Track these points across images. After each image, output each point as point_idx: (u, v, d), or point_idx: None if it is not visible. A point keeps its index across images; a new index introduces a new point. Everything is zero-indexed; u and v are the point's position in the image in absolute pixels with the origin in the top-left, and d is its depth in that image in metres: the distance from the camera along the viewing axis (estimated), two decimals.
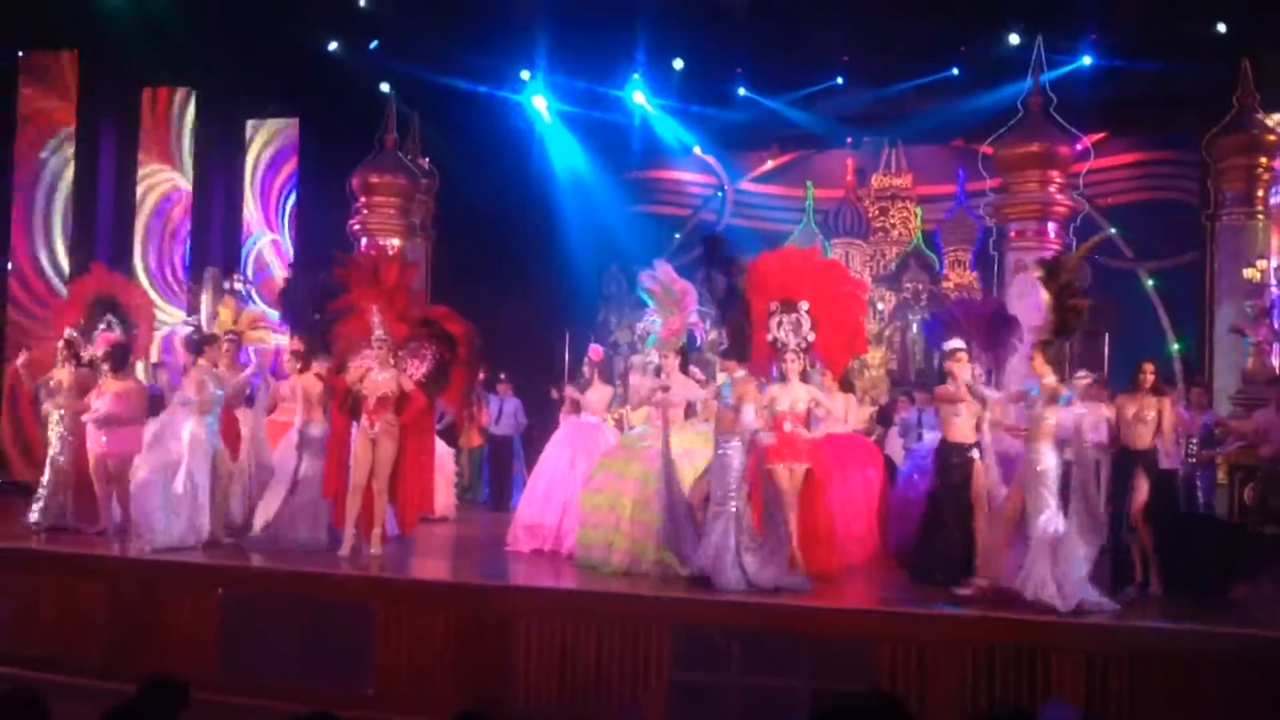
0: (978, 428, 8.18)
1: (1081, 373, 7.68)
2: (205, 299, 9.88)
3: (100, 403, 9.50)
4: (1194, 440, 10.12)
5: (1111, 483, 8.33)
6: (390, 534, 9.13)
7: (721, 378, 8.41)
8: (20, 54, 14.52)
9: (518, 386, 13.58)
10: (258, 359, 10.70)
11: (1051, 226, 13.23)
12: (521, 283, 15.82)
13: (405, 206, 15.50)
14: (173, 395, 9.43)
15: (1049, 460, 7.28)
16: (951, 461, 8.24)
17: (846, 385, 10.17)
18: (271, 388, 10.33)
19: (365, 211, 15.32)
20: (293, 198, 16.01)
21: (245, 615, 7.94)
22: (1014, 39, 13.72)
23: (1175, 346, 14.89)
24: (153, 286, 14.83)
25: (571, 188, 17.01)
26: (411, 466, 8.95)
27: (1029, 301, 9.36)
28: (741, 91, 15.93)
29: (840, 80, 15.49)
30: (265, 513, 9.39)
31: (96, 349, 9.90)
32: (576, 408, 10.57)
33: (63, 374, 9.90)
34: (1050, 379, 7.38)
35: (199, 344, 9.49)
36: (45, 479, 9.80)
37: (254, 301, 14.62)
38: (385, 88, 15.37)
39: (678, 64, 15.46)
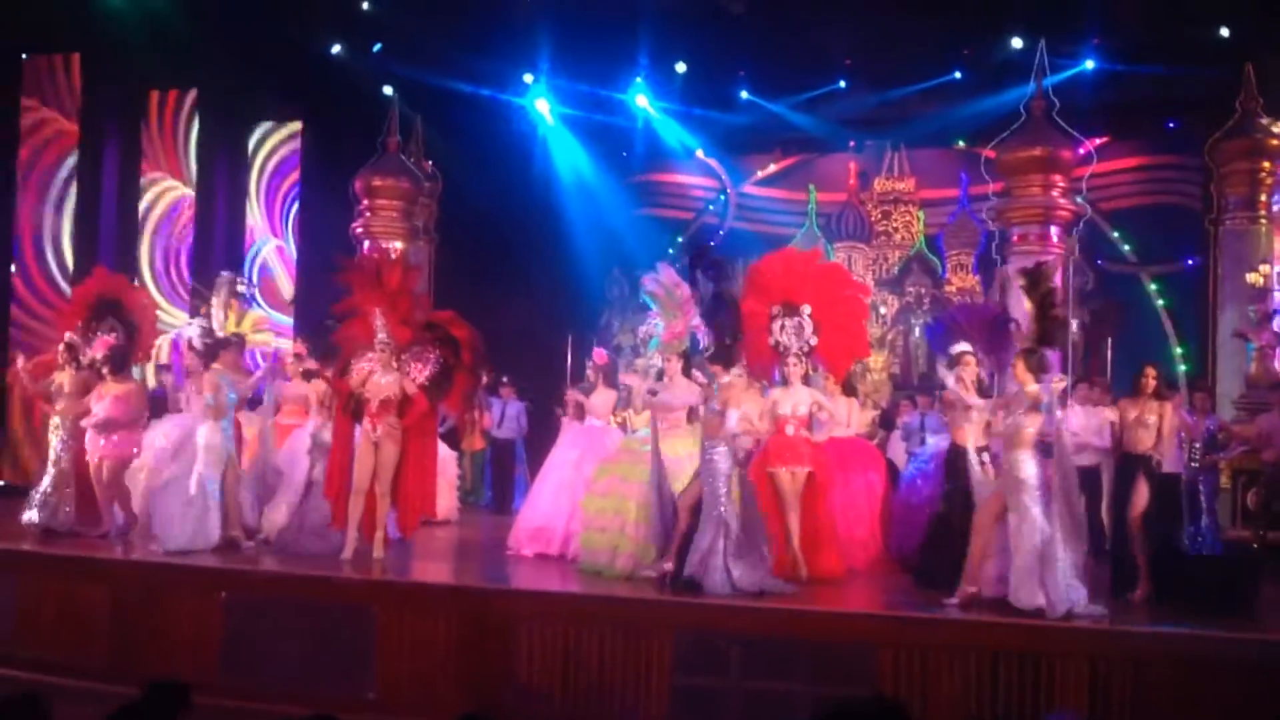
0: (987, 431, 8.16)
1: (1057, 376, 7.66)
2: (218, 302, 9.87)
3: (100, 407, 9.51)
4: (1197, 445, 10.10)
5: (1114, 487, 8.34)
6: (391, 537, 9.13)
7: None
8: (24, 57, 14.56)
9: (520, 390, 13.59)
10: (269, 363, 10.71)
11: (1054, 231, 13.22)
12: (524, 286, 15.82)
13: (408, 210, 15.50)
14: (177, 397, 9.44)
15: (1029, 468, 7.26)
16: (960, 465, 8.23)
17: (849, 389, 10.16)
18: (278, 391, 10.35)
19: (368, 214, 15.32)
20: (296, 203, 16.05)
21: (247, 618, 7.93)
22: (1017, 43, 13.73)
23: (1179, 350, 14.90)
24: (158, 289, 14.88)
25: (574, 191, 17.03)
26: (413, 470, 8.94)
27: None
28: (744, 95, 15.95)
29: (843, 84, 15.52)
30: (273, 516, 9.40)
31: (95, 352, 9.89)
32: (580, 411, 10.56)
33: (63, 377, 9.90)
34: (1032, 386, 7.38)
35: (215, 348, 9.49)
36: (45, 480, 9.80)
37: (258, 304, 14.65)
38: (388, 91, 15.37)
39: (680, 67, 15.49)
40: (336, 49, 15.10)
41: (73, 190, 14.48)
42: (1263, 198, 13.22)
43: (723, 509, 7.65)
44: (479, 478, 13.74)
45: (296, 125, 16.02)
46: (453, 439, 12.52)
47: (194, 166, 15.37)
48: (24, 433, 13.71)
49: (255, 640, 7.86)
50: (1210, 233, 13.76)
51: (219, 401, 9.04)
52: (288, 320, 15.61)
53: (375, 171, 15.22)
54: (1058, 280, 13.09)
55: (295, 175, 16.02)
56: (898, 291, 16.95)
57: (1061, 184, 13.21)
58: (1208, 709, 6.44)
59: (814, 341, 8.77)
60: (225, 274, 10.34)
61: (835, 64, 15.27)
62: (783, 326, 8.77)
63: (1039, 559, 7.04)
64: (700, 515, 7.81)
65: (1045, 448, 7.38)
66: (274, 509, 9.48)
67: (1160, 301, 15.42)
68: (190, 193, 15.34)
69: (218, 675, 7.66)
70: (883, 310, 16.72)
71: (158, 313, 12.25)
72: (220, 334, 9.71)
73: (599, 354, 10.93)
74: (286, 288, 15.91)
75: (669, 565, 7.90)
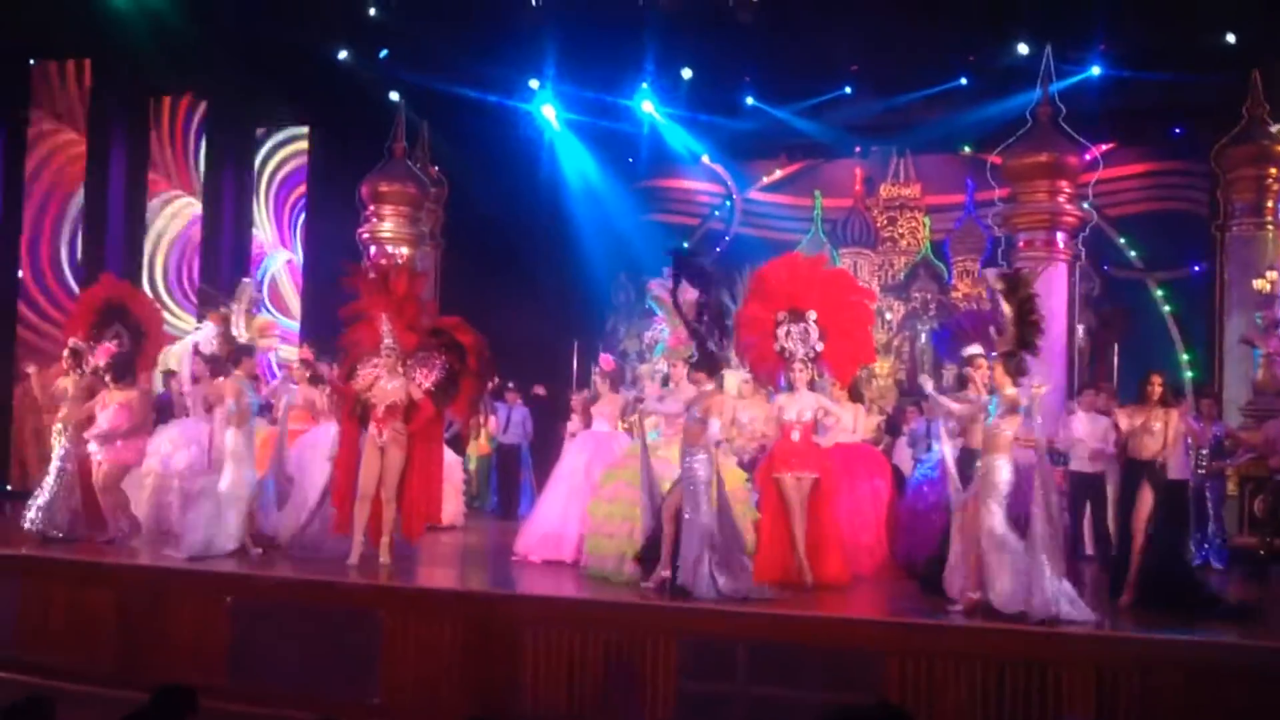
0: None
1: (1037, 380, 7.66)
2: (239, 308, 9.91)
3: (104, 417, 9.51)
4: (1204, 451, 10.10)
5: (1119, 494, 8.32)
6: (396, 541, 9.13)
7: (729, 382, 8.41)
8: (31, 63, 14.59)
9: (526, 395, 13.60)
10: (285, 370, 10.71)
11: (1060, 236, 13.22)
12: (530, 291, 15.84)
13: (414, 215, 15.55)
14: (185, 403, 9.43)
15: (1004, 473, 7.26)
16: (973, 469, 8.20)
17: (855, 395, 10.15)
18: (287, 397, 10.36)
19: (375, 220, 15.37)
20: (304, 214, 16.08)
21: (254, 623, 7.95)
22: (1023, 49, 13.72)
23: (1185, 357, 14.88)
24: (170, 295, 14.91)
25: (580, 196, 17.06)
26: (419, 475, 8.95)
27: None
28: (750, 101, 15.96)
29: (849, 90, 15.53)
30: (286, 522, 9.41)
31: (97, 360, 9.89)
32: (587, 417, 10.54)
33: (67, 382, 9.90)
34: (1010, 390, 7.38)
35: (237, 355, 9.50)
36: (49, 484, 9.78)
37: (266, 309, 14.68)
38: (395, 96, 15.41)
39: (686, 73, 15.50)
40: (343, 55, 15.13)
41: (79, 196, 14.50)
42: (1269, 204, 13.21)
43: (704, 517, 7.64)
44: (485, 483, 13.74)
45: (304, 139, 16.05)
46: (458, 444, 12.53)
47: (201, 171, 15.40)
48: (32, 439, 13.70)
49: (261, 645, 7.87)
50: (1217, 239, 13.74)
51: (242, 407, 9.04)
52: (293, 325, 15.66)
53: (382, 177, 15.26)
54: (1064, 286, 13.14)
55: (302, 188, 16.05)
56: (903, 297, 16.97)
57: (1067, 190, 13.20)
58: (1215, 716, 6.41)
59: (819, 347, 8.78)
60: (246, 280, 10.37)
61: (841, 70, 15.28)
62: (788, 332, 8.78)
63: (1011, 562, 7.05)
64: (680, 523, 7.80)
65: (1024, 452, 7.39)
66: (286, 516, 9.48)
67: (1167, 307, 15.43)
68: (198, 199, 15.36)
69: (224, 680, 7.68)
70: (888, 316, 16.73)
71: (163, 318, 12.27)
72: (242, 340, 9.75)
73: (606, 360, 10.90)
74: (294, 303, 15.95)
75: (666, 573, 7.89)
